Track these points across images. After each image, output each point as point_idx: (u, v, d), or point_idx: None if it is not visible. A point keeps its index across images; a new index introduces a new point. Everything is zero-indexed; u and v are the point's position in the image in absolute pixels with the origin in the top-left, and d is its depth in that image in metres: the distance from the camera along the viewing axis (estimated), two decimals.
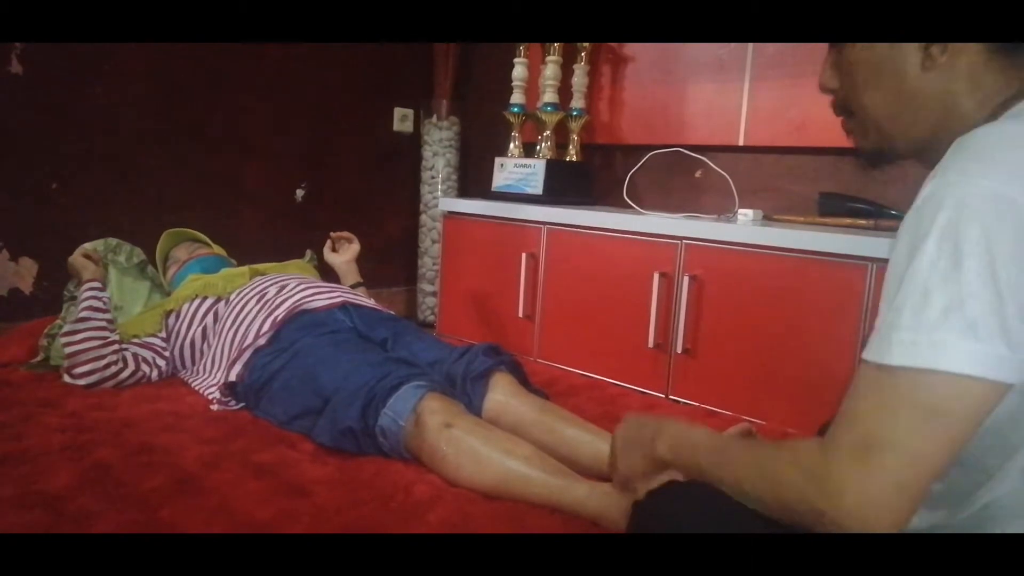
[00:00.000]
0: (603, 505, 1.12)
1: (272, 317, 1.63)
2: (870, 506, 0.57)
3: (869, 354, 0.60)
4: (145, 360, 1.73)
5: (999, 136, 0.62)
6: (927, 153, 0.75)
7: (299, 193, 2.65)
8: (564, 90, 2.48)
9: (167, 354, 1.78)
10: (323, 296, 1.69)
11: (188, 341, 1.77)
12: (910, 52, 0.71)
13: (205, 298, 1.79)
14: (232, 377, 1.59)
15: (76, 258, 1.79)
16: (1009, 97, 0.69)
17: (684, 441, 0.82)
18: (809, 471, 0.61)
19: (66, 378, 1.66)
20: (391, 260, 2.93)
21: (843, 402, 0.61)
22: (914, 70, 0.71)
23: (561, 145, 2.52)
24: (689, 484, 0.84)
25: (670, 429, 0.84)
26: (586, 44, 2.45)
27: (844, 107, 0.78)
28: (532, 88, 2.51)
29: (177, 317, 1.79)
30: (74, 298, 1.82)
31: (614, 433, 0.95)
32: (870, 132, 0.76)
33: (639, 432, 0.88)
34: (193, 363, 1.79)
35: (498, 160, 2.53)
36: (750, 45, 2.18)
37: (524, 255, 2.27)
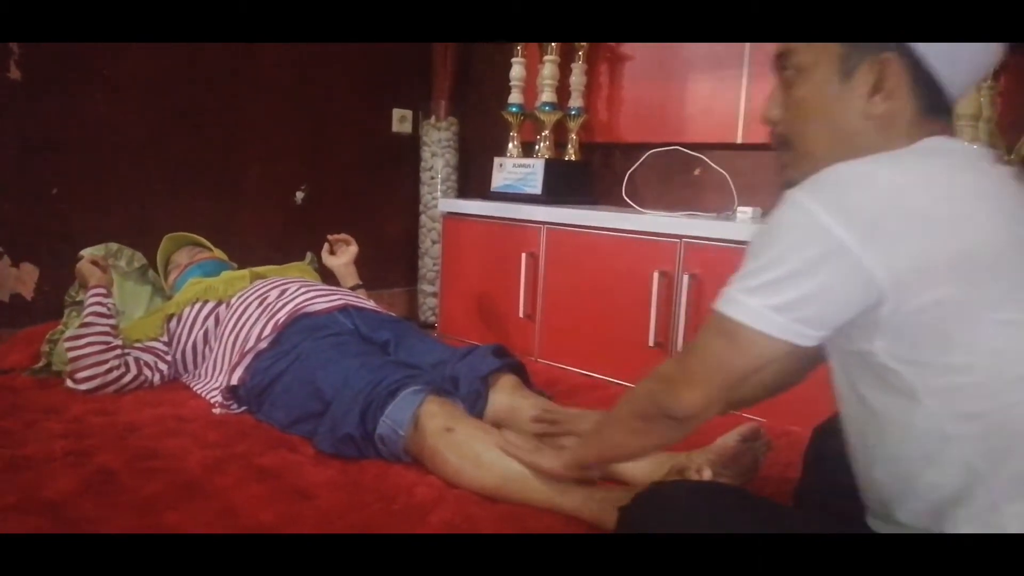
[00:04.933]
0: (601, 509, 1.12)
1: (273, 321, 1.63)
2: (680, 388, 0.81)
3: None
4: (147, 364, 1.74)
5: (848, 168, 0.74)
6: None
7: (299, 195, 2.65)
8: (562, 89, 2.48)
9: (169, 358, 1.78)
10: (324, 299, 1.69)
11: (190, 345, 1.77)
12: (857, 93, 0.79)
13: (206, 302, 1.79)
14: (234, 381, 1.60)
15: (83, 264, 1.79)
16: None
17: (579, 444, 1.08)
18: (651, 375, 0.87)
19: (68, 383, 1.66)
20: (391, 261, 2.93)
21: None
22: (856, 112, 0.80)
23: (560, 144, 2.53)
24: (671, 485, 0.97)
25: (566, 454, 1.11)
26: (583, 43, 2.45)
27: (783, 139, 0.87)
28: (530, 88, 2.51)
29: (179, 321, 1.79)
30: (76, 303, 1.82)
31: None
32: (804, 165, 0.82)
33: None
34: (195, 367, 1.79)
35: (497, 160, 2.53)
36: (747, 43, 2.17)
37: (524, 255, 2.27)
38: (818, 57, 0.81)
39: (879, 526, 0.83)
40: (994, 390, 0.71)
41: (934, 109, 0.79)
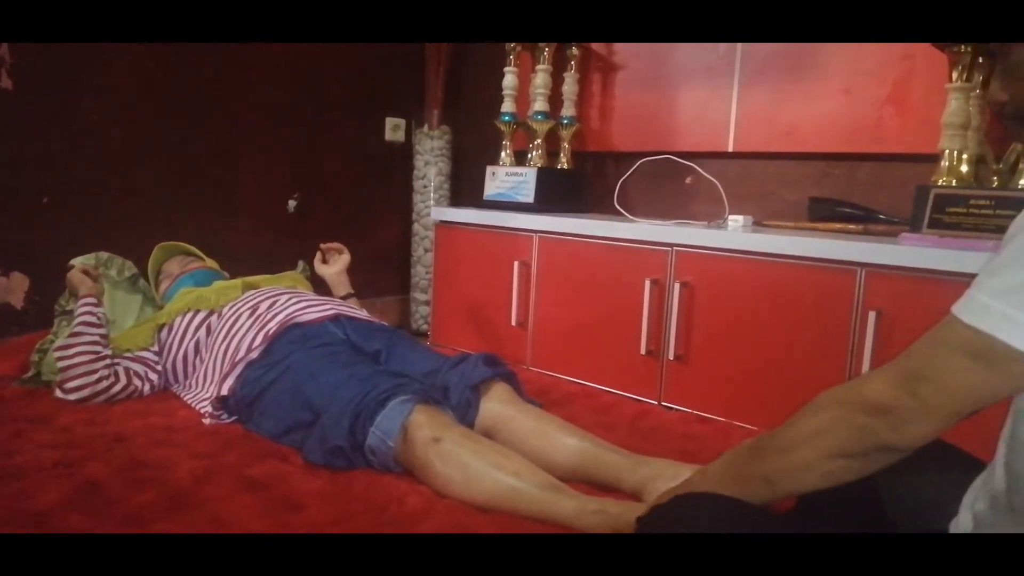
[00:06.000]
0: (593, 522, 1.12)
1: (264, 331, 1.62)
2: (911, 422, 0.67)
3: (954, 305, 0.67)
4: (137, 374, 1.73)
5: None
6: None
7: (291, 204, 2.65)
8: (554, 98, 2.49)
9: (159, 368, 1.77)
10: (315, 309, 1.69)
11: (181, 355, 1.77)
12: None
13: (198, 312, 1.79)
14: (224, 391, 1.59)
15: (73, 274, 1.79)
16: None
17: (709, 477, 0.87)
18: (856, 402, 0.71)
19: (58, 393, 1.65)
20: (384, 270, 2.93)
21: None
22: None
23: (552, 153, 2.53)
24: (692, 495, 0.87)
25: (695, 478, 0.89)
26: (576, 52, 2.46)
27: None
28: (523, 97, 2.52)
29: (169, 331, 1.78)
30: (66, 313, 1.81)
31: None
32: None
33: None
34: (186, 377, 1.79)
35: (489, 169, 2.54)
36: (739, 51, 2.19)
37: (516, 263, 2.27)
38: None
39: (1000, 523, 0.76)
40: None
41: None
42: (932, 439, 0.68)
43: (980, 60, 1.68)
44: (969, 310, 0.64)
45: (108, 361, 1.68)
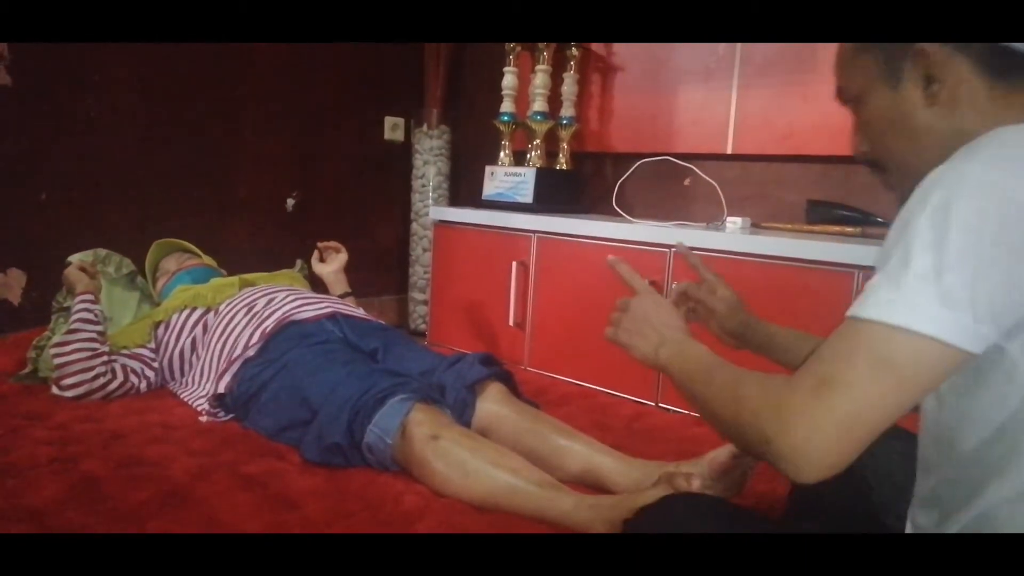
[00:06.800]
0: (589, 518, 1.12)
1: (261, 328, 1.62)
2: (812, 439, 0.62)
3: (850, 309, 0.65)
4: (134, 371, 1.73)
5: (999, 135, 0.67)
6: None
7: (290, 203, 2.65)
8: (554, 99, 2.49)
9: (156, 365, 1.77)
10: (312, 307, 1.69)
11: (177, 352, 1.77)
12: (912, 93, 0.75)
13: (194, 309, 1.78)
14: (221, 388, 1.59)
15: (71, 270, 1.78)
16: None
17: (686, 351, 0.86)
18: (770, 397, 0.66)
19: (55, 390, 1.65)
20: (382, 269, 2.93)
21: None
22: (919, 108, 0.75)
23: (551, 153, 2.53)
24: (679, 498, 0.86)
25: (676, 342, 0.90)
26: (575, 52, 2.46)
27: (876, 164, 0.83)
28: (522, 97, 2.52)
29: (166, 328, 1.78)
30: (63, 309, 1.81)
31: (628, 306, 1.00)
32: (905, 180, 0.77)
33: (648, 333, 0.94)
34: (182, 374, 1.79)
35: (488, 168, 2.54)
36: (738, 53, 2.19)
37: (514, 263, 2.27)
38: (864, 79, 0.79)
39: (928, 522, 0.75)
40: None
41: (1004, 78, 0.71)
42: (833, 472, 0.62)
43: None
44: (873, 307, 0.62)
45: (105, 358, 1.67)
